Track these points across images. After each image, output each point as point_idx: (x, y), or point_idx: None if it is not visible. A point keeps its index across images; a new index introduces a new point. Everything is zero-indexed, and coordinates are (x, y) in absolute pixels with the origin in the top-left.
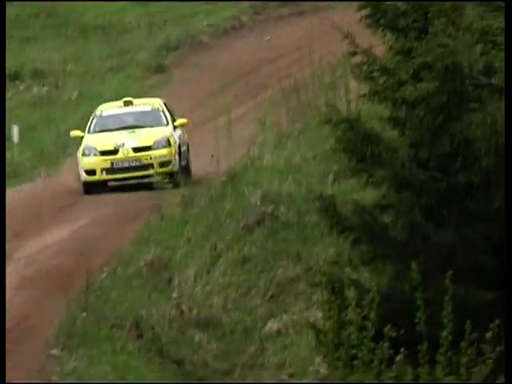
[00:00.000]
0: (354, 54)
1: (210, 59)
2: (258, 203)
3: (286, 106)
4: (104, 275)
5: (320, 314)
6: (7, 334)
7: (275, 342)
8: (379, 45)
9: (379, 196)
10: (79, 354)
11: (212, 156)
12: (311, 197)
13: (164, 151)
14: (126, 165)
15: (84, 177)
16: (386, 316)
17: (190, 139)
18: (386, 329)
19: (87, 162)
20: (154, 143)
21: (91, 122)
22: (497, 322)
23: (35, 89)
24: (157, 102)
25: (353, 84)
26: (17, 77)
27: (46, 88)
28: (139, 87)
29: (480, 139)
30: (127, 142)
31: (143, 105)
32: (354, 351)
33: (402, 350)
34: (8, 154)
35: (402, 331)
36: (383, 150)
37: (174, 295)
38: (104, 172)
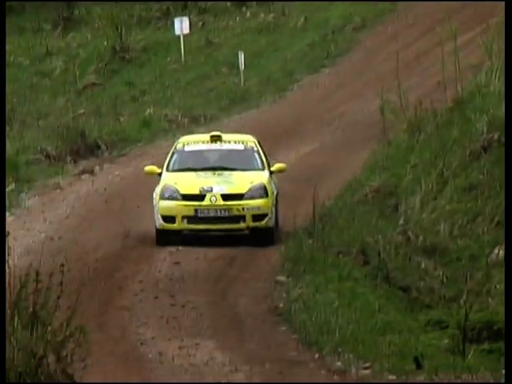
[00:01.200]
0: None
1: None
2: (485, 130)
3: None
4: (331, 202)
5: None
6: (234, 261)
7: (501, 269)
8: None
9: None
10: (305, 280)
11: (439, 83)
12: None
13: (259, 202)
14: (213, 214)
15: (160, 224)
16: None
17: (417, 66)
18: None
19: (166, 206)
20: (247, 191)
21: (171, 158)
22: None
23: (261, 15)
24: (251, 140)
25: None
26: (243, 3)
27: (272, 15)
28: (365, 13)
29: None
30: (216, 186)
31: (234, 142)
32: None
33: None
34: (234, 80)
35: None
36: None
37: (401, 222)
38: (185, 220)
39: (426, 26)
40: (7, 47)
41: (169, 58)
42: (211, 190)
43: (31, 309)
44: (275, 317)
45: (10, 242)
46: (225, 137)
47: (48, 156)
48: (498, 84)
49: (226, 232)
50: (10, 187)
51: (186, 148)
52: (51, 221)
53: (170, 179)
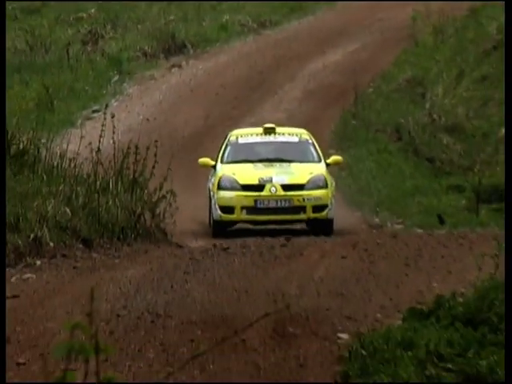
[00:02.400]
0: None
1: None
2: (495, 32)
3: None
4: (371, 90)
5: None
6: None
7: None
8: None
9: None
10: (350, 153)
11: None
12: None
13: (320, 192)
14: (273, 205)
15: (218, 214)
16: None
17: None
18: None
19: (225, 196)
20: (308, 182)
21: (224, 150)
22: None
23: None
24: (304, 133)
25: None
26: None
27: None
28: None
29: None
30: (275, 177)
31: (288, 134)
32: None
33: None
34: None
35: None
36: None
37: (427, 106)
38: (244, 211)
39: None
40: None
41: None
42: (271, 181)
43: (131, 176)
44: None
45: (114, 122)
46: (278, 129)
47: (145, 53)
48: None
49: (283, 224)
50: (114, 78)
51: (240, 140)
52: (147, 105)
53: (228, 170)
